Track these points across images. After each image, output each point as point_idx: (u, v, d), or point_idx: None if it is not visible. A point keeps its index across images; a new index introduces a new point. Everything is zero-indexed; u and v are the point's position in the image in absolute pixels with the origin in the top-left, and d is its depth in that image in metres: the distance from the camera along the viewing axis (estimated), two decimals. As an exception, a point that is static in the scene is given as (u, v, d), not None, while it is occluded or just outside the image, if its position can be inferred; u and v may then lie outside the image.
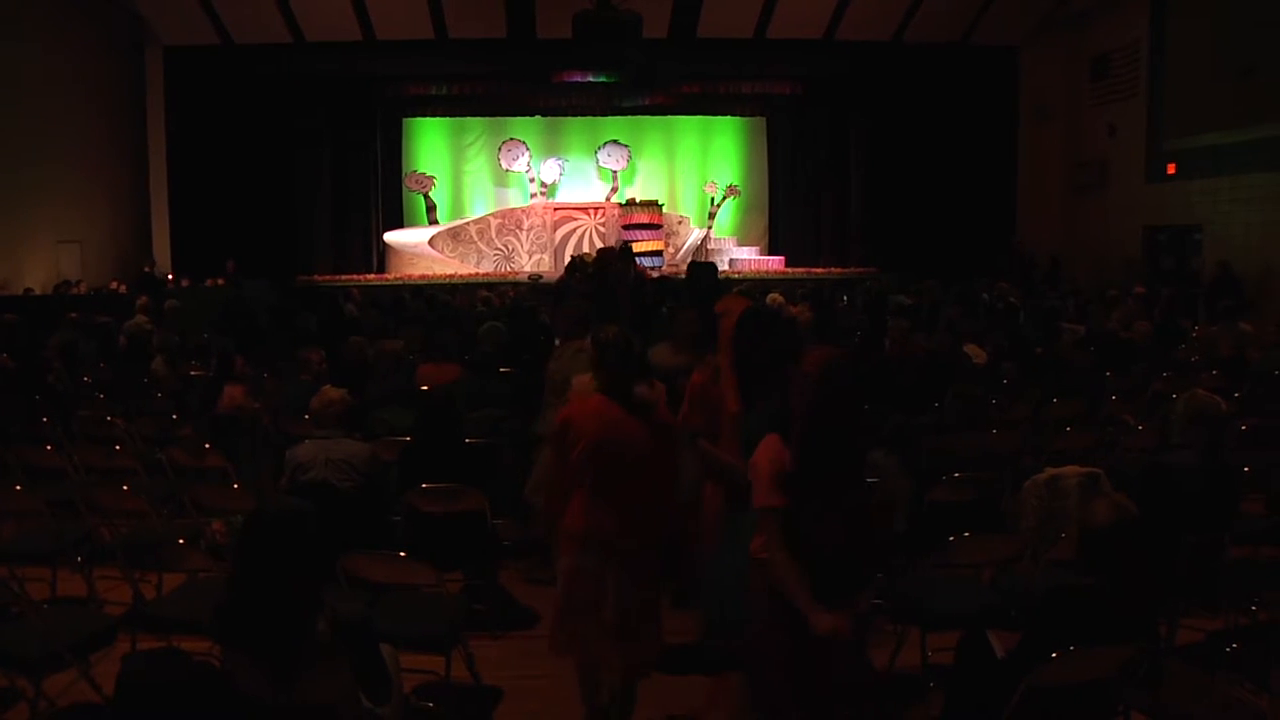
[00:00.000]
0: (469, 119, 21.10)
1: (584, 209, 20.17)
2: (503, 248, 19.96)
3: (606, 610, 3.54)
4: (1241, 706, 3.34)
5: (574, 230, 19.88)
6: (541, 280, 17.62)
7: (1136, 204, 16.62)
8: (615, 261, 10.71)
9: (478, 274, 19.05)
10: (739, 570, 3.69)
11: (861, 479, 3.43)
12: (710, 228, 21.03)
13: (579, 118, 21.03)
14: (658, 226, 19.67)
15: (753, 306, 4.51)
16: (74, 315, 10.69)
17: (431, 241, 19.72)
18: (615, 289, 9.55)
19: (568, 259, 14.62)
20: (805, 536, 3.12)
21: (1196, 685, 3.44)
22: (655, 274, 15.32)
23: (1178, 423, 4.57)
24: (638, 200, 20.22)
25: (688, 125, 21.54)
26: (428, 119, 21.09)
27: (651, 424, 3.62)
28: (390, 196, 20.82)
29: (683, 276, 13.06)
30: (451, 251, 19.76)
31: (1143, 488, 4.19)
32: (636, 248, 14.70)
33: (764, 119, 21.58)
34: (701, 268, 9.93)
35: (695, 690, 4.30)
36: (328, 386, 5.23)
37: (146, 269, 17.07)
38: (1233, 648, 3.20)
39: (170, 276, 17.43)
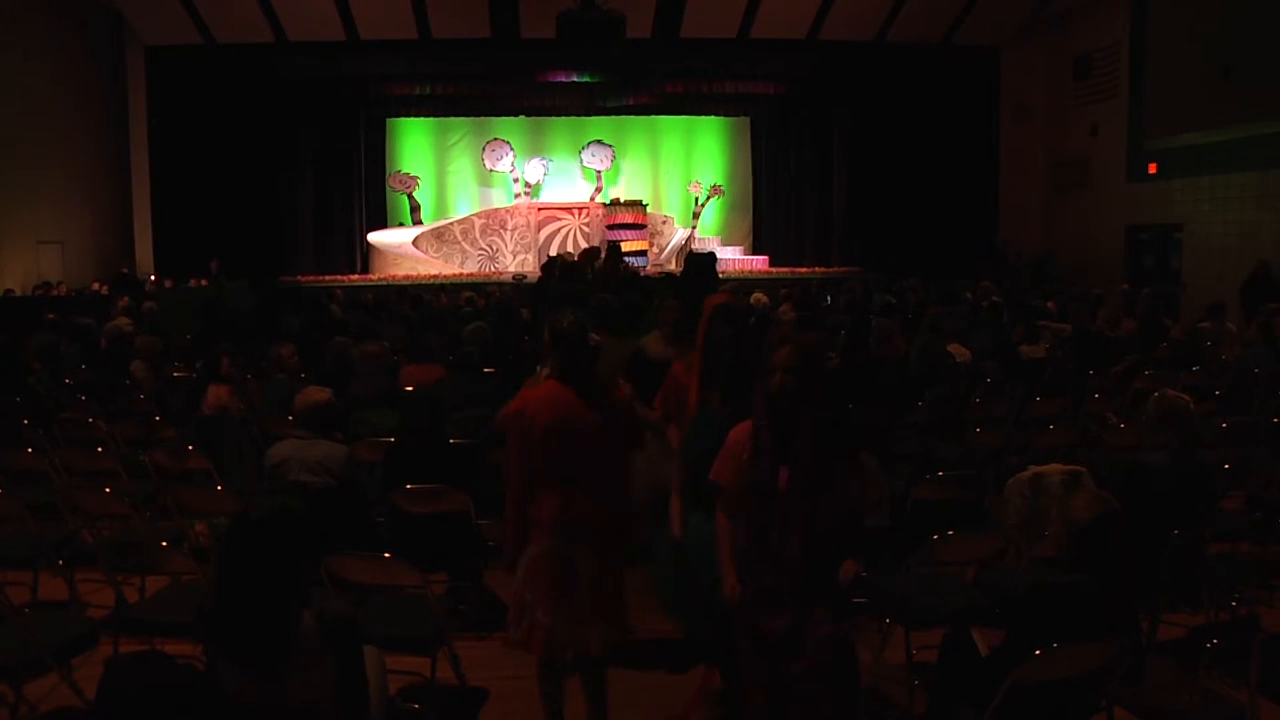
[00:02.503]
0: (453, 119, 21.04)
1: (568, 209, 20.15)
2: (487, 248, 19.92)
3: (579, 590, 3.59)
4: (1222, 700, 3.36)
5: (558, 230, 19.85)
6: (525, 280, 17.60)
7: (1118, 203, 16.74)
8: (599, 260, 10.77)
9: (462, 274, 19.01)
10: (687, 551, 3.91)
11: (840, 466, 3.38)
12: (694, 227, 21.05)
13: (563, 118, 21.00)
14: (642, 226, 19.66)
15: (724, 302, 4.52)
16: (52, 316, 10.59)
17: (415, 242, 19.66)
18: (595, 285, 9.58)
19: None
20: (758, 508, 3.18)
21: (1178, 680, 3.46)
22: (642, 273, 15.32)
23: (1148, 423, 4.60)
24: (622, 200, 20.21)
25: (672, 125, 21.55)
26: (411, 119, 21.02)
27: (604, 408, 3.68)
28: (374, 197, 20.75)
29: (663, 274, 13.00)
30: (435, 252, 19.71)
31: (1120, 486, 4.22)
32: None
33: (748, 119, 21.61)
34: (695, 258, 9.98)
35: (672, 692, 4.32)
36: (311, 387, 5.21)
37: (125, 270, 16.94)
38: (1213, 643, 3.21)
39: (153, 277, 17.35)
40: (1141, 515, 3.93)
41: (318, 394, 5.03)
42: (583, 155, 21.17)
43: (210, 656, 2.76)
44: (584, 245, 18.35)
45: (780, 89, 20.49)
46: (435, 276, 18.67)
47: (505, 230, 19.96)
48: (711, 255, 10.48)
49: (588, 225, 19.78)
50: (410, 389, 6.69)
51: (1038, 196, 19.35)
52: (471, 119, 21.02)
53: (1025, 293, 13.70)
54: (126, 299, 12.13)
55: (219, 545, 4.86)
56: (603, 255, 11.21)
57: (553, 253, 17.69)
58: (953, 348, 8.28)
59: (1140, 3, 15.98)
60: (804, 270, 19.57)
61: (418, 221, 20.55)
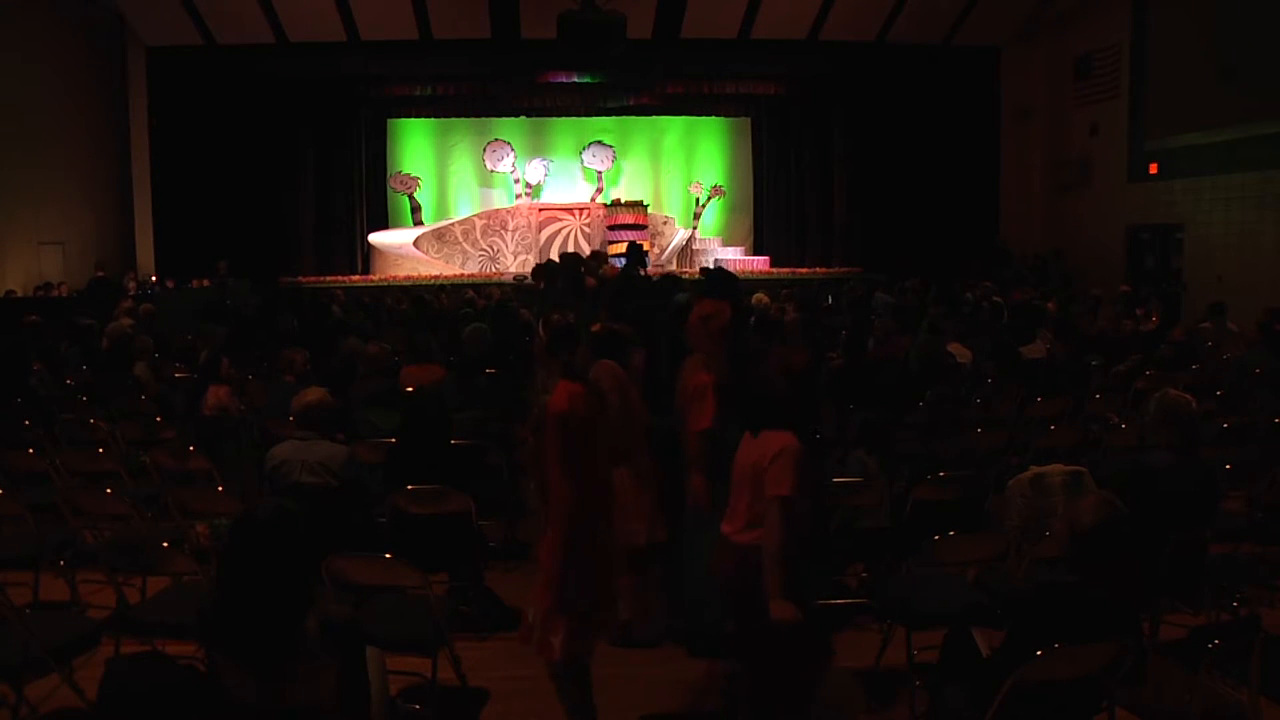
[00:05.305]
0: (454, 119, 21.02)
1: (569, 209, 20.15)
2: (488, 249, 19.92)
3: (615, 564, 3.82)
4: (1223, 701, 3.36)
5: (559, 231, 19.85)
6: (526, 281, 17.60)
7: (1119, 203, 16.72)
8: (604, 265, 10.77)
9: (463, 275, 19.01)
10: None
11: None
12: (695, 228, 21.05)
13: (564, 118, 20.99)
14: (643, 227, 19.65)
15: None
16: (34, 317, 10.51)
17: (416, 243, 19.66)
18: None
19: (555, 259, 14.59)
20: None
21: (1179, 681, 3.46)
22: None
23: (1150, 423, 4.60)
24: (623, 201, 20.23)
25: (672, 126, 21.53)
26: (412, 119, 21.01)
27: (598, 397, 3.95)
28: (375, 197, 20.74)
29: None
30: (436, 253, 19.71)
31: (1124, 487, 4.22)
32: (621, 249, 14.66)
33: (748, 119, 21.59)
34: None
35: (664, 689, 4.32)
36: (310, 387, 5.22)
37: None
38: (1215, 644, 3.21)
39: (154, 278, 17.34)
40: (1145, 516, 3.93)
41: (315, 394, 5.03)
42: (584, 156, 21.17)
43: (211, 657, 2.76)
44: (586, 246, 18.41)
45: (781, 89, 20.47)
46: (436, 277, 18.67)
47: (506, 231, 19.96)
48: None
49: (589, 226, 19.79)
50: (412, 390, 6.69)
51: (1038, 197, 19.34)
52: (472, 119, 20.99)
53: (1022, 293, 13.65)
54: (130, 300, 12.10)
55: (220, 546, 4.88)
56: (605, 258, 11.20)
57: (554, 254, 17.70)
58: (953, 348, 8.28)
59: (1141, 3, 15.96)
60: (805, 271, 19.57)
61: (418, 222, 20.55)
